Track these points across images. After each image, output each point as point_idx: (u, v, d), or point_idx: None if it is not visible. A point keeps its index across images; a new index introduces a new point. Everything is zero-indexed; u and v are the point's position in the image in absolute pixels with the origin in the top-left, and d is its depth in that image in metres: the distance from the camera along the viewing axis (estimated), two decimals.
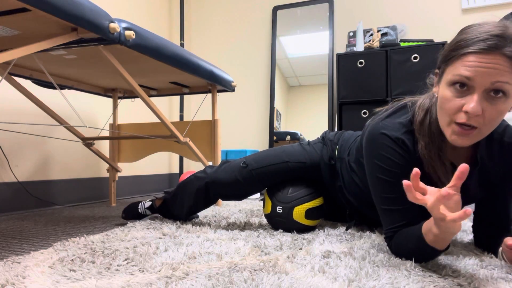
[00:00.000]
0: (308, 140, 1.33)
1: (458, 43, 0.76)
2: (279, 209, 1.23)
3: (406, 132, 0.89)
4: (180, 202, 1.37)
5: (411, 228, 0.85)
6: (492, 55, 0.71)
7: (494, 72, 0.71)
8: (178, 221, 1.37)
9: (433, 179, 0.88)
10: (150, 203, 1.45)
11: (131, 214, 1.45)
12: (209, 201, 1.35)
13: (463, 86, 0.74)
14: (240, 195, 1.32)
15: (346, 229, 1.24)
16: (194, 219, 1.45)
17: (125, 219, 1.46)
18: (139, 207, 1.45)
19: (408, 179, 0.87)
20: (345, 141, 1.23)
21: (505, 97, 0.73)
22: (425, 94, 0.93)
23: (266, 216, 1.29)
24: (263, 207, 1.30)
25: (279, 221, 1.24)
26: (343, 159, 1.20)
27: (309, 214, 1.22)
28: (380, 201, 0.91)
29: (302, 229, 1.24)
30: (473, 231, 1.03)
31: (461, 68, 0.74)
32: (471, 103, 0.72)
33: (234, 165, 1.29)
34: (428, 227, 0.76)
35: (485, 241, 0.98)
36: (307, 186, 1.25)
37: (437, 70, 0.85)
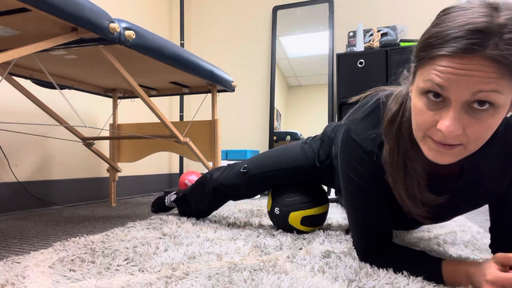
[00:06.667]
0: (311, 136, 1.27)
1: (429, 40, 0.58)
2: (276, 210, 1.24)
3: (380, 145, 0.75)
4: (199, 198, 1.42)
5: (415, 255, 0.77)
6: (470, 58, 0.53)
7: (474, 80, 0.53)
8: (178, 221, 1.37)
9: (395, 197, 0.74)
10: (175, 196, 1.51)
11: (159, 207, 1.54)
12: (222, 201, 1.40)
13: (437, 96, 0.57)
14: (248, 195, 1.35)
15: (346, 233, 1.21)
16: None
17: (154, 213, 1.58)
18: (166, 200, 1.52)
19: (379, 190, 0.78)
20: None
21: (493, 109, 0.55)
22: (404, 85, 0.75)
23: (268, 212, 1.32)
24: (267, 203, 1.32)
25: (277, 221, 1.27)
26: None
27: (305, 221, 1.22)
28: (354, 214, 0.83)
29: (299, 232, 1.25)
30: (491, 233, 0.85)
31: (432, 74, 0.56)
32: (446, 120, 0.56)
33: (235, 170, 1.30)
34: (461, 269, 0.69)
35: (505, 244, 0.83)
36: (305, 194, 1.22)
37: (412, 64, 0.65)
